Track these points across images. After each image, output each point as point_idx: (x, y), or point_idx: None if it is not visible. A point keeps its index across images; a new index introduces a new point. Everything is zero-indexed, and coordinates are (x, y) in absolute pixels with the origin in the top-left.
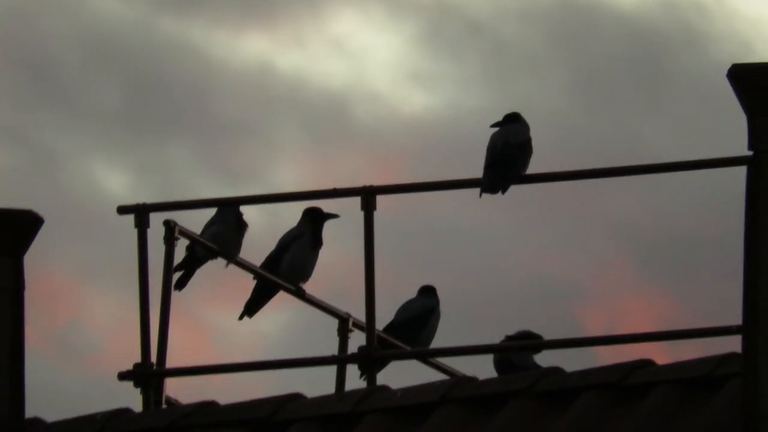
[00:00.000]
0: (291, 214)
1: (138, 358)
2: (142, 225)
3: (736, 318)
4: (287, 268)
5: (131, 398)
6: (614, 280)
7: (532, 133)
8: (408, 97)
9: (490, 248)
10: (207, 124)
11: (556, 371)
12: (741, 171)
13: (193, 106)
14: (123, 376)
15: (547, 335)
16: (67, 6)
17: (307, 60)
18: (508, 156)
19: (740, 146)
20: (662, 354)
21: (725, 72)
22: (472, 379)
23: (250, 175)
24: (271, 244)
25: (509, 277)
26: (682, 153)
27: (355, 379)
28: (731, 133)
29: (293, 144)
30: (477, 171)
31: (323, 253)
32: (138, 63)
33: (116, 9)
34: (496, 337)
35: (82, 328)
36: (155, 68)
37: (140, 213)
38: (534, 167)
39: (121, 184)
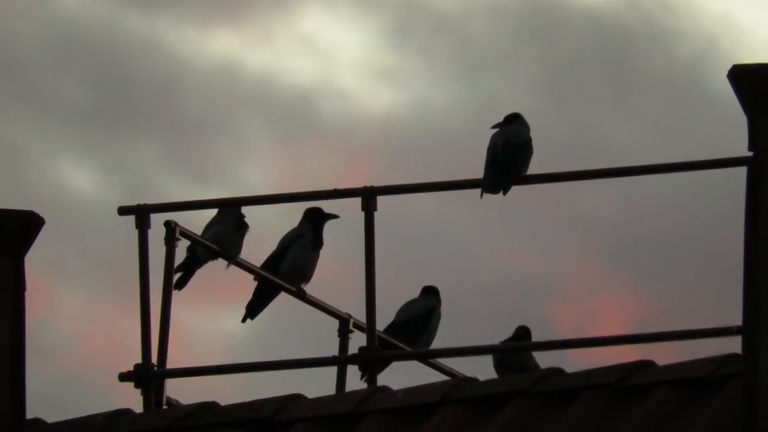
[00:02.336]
0: (256, 215)
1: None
2: (142, 226)
3: (708, 315)
4: (288, 268)
5: (94, 397)
6: (586, 278)
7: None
8: (376, 94)
9: (460, 247)
10: (175, 122)
11: (556, 372)
12: (712, 171)
13: (160, 104)
14: (124, 376)
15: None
16: (33, 3)
17: (275, 57)
18: (508, 157)
19: (706, 140)
20: (631, 352)
21: (690, 68)
22: (473, 380)
23: (218, 173)
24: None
25: (479, 276)
26: (648, 148)
27: (355, 380)
28: (697, 128)
29: (261, 141)
30: (446, 168)
31: (324, 254)
32: (105, 60)
33: (83, 6)
34: (470, 336)
35: (51, 327)
36: (122, 66)
37: (141, 214)
38: None
39: (88, 181)
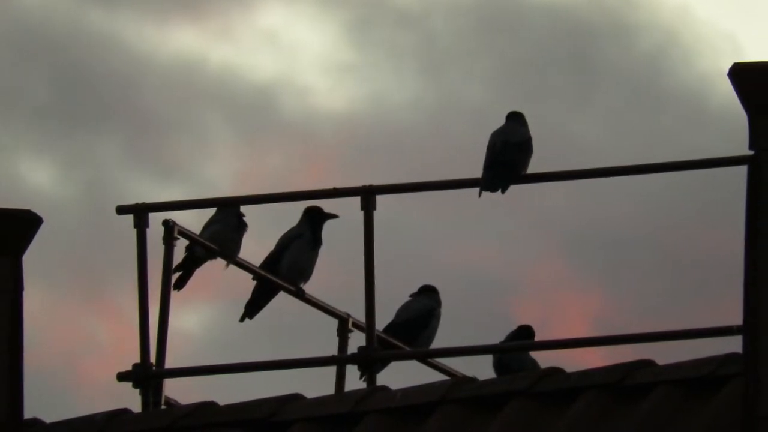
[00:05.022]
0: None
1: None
2: (141, 225)
3: (667, 313)
4: (287, 268)
5: (61, 397)
6: (547, 276)
7: (467, 126)
8: (337, 90)
9: (426, 245)
10: (135, 118)
11: (555, 371)
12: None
13: (121, 100)
14: (122, 376)
15: (483, 332)
16: None
17: (236, 54)
18: (507, 156)
19: (667, 134)
20: (597, 354)
21: (650, 61)
22: (472, 380)
23: (179, 169)
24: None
25: (445, 274)
26: (609, 142)
27: (354, 380)
28: (658, 121)
29: (222, 137)
30: (408, 163)
31: (323, 254)
32: (66, 56)
33: (43, 3)
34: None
35: None
36: (83, 62)
37: (139, 213)
38: (473, 161)
39: (47, 177)
